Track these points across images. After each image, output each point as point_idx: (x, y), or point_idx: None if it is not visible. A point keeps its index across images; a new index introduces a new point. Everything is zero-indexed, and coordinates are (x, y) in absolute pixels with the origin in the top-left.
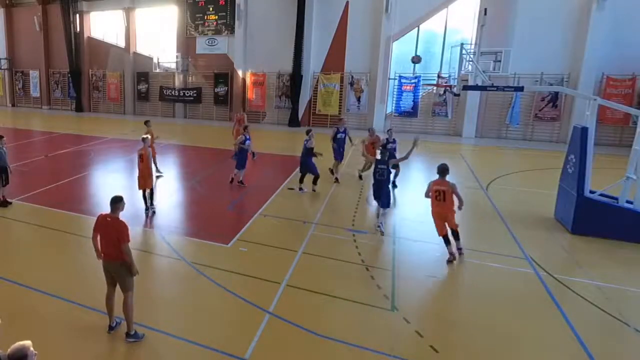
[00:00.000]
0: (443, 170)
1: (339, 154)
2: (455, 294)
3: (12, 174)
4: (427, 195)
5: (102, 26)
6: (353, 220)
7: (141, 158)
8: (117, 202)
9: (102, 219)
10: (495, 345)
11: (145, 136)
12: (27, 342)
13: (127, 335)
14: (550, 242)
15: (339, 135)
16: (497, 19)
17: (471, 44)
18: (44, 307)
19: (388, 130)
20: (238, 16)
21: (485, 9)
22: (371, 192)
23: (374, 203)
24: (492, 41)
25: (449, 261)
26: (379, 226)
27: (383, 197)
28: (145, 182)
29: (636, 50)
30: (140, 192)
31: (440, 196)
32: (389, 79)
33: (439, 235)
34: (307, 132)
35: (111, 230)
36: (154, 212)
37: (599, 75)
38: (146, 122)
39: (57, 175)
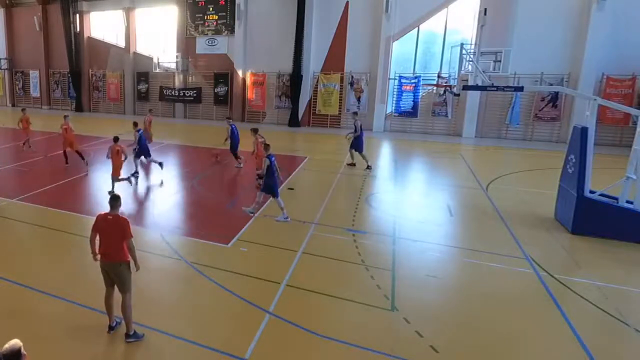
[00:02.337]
0: None
1: (362, 146)
2: (455, 294)
3: None
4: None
5: (102, 26)
6: (353, 220)
7: (66, 130)
8: (116, 200)
9: (101, 218)
10: (495, 345)
11: (67, 114)
12: (17, 340)
13: (127, 335)
14: (550, 242)
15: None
16: (497, 19)
17: (471, 44)
18: (44, 307)
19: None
20: (238, 16)
21: (485, 9)
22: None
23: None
24: (492, 41)
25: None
26: (285, 216)
27: (277, 188)
28: (72, 146)
29: (636, 50)
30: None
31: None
32: (389, 79)
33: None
34: (135, 125)
35: (113, 228)
36: (87, 164)
37: (599, 75)
38: (23, 110)
39: (57, 175)
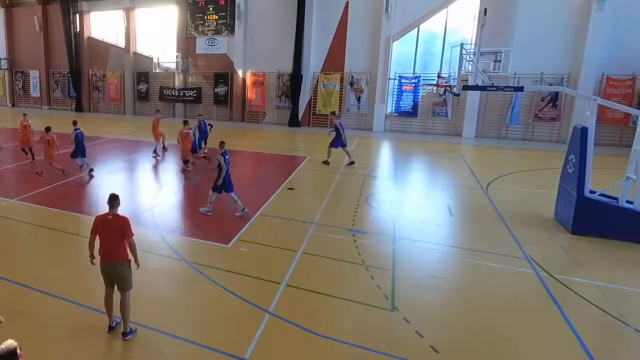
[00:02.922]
0: None
1: (343, 141)
2: (455, 294)
3: None
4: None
5: (102, 26)
6: (353, 220)
7: (25, 127)
8: (115, 200)
9: (101, 219)
10: (495, 345)
11: (25, 112)
12: (12, 340)
13: (124, 334)
14: (550, 242)
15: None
16: (497, 19)
17: (471, 44)
18: (44, 307)
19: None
20: (238, 16)
21: (485, 9)
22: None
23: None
24: (492, 41)
25: None
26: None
27: (230, 184)
28: (27, 143)
29: (636, 50)
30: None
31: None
32: (389, 79)
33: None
34: (75, 123)
35: (113, 228)
36: (33, 158)
37: (599, 75)
38: None
39: (57, 176)
